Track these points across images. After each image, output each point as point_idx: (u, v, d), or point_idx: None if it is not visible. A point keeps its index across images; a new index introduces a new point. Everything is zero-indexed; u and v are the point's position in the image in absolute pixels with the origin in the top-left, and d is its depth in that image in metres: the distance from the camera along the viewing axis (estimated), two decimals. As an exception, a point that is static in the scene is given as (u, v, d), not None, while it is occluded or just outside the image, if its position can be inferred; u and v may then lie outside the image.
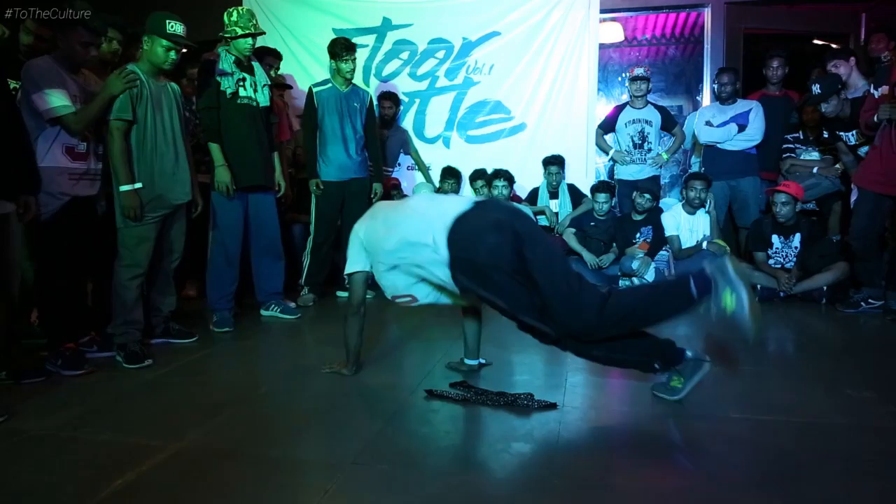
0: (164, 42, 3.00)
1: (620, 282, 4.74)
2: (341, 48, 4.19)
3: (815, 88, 4.15)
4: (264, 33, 3.88)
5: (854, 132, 4.11)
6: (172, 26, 3.01)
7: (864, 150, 4.02)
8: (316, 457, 1.94)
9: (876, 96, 3.72)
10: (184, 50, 3.17)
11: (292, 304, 3.98)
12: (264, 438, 2.08)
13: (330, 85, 4.26)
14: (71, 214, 2.87)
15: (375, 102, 5.27)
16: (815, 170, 4.56)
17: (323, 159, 4.25)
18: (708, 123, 4.83)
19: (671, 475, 1.80)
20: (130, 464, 1.85)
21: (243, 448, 2.00)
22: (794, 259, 4.31)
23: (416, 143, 5.52)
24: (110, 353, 2.98)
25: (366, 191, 4.41)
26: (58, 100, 2.76)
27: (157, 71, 3.09)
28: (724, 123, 4.78)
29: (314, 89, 4.25)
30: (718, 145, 4.80)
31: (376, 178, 4.47)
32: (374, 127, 4.47)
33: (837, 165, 4.44)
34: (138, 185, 2.96)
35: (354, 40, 5.46)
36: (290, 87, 5.16)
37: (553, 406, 2.26)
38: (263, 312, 3.88)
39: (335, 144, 4.24)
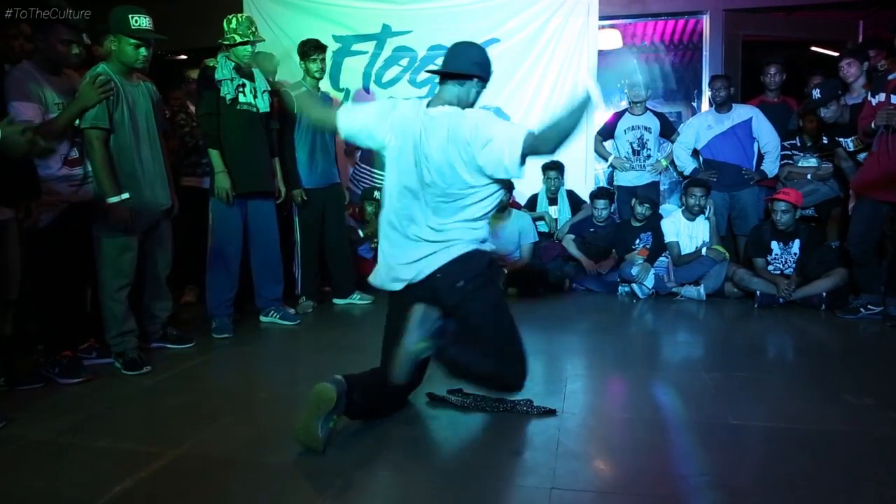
0: (132, 40, 2.83)
1: (620, 288, 4.74)
2: (310, 48, 4.13)
3: (816, 93, 4.17)
4: (263, 40, 3.88)
5: (852, 138, 4.12)
6: (137, 21, 2.81)
7: (862, 156, 4.03)
8: (315, 463, 1.93)
9: (873, 103, 3.73)
10: (182, 57, 3.16)
11: (291, 311, 3.98)
12: (263, 445, 2.08)
13: (305, 89, 4.14)
14: (68, 222, 2.85)
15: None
16: (808, 175, 4.57)
17: (307, 166, 4.15)
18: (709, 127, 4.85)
19: (671, 482, 1.80)
20: (129, 471, 1.85)
21: (242, 455, 1.99)
22: (794, 265, 4.32)
23: None
24: (109, 359, 2.97)
25: (342, 196, 4.40)
26: (19, 116, 2.59)
27: (130, 70, 2.95)
28: (725, 133, 4.79)
29: (293, 93, 4.05)
30: (719, 159, 4.83)
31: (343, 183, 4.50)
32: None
33: (826, 164, 4.46)
34: (125, 195, 2.85)
35: (354, 47, 5.54)
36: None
37: (552, 412, 2.26)
38: (263, 319, 3.88)
39: (317, 151, 4.19)
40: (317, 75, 4.18)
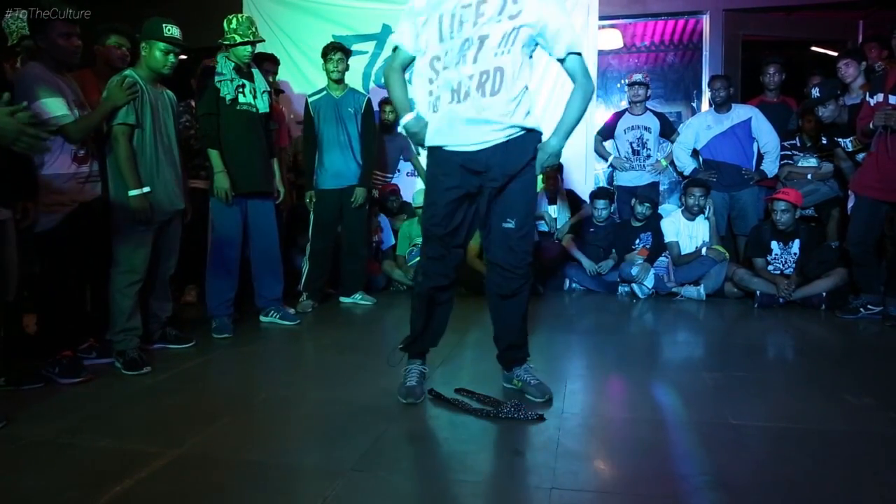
0: (162, 45, 2.99)
1: (620, 287, 4.75)
2: (328, 48, 4.25)
3: (815, 92, 4.17)
4: (263, 41, 3.89)
5: (851, 138, 4.12)
6: (169, 30, 3.01)
7: (861, 156, 4.03)
8: (315, 463, 1.93)
9: (871, 104, 3.73)
10: (183, 57, 3.16)
11: (291, 311, 3.98)
12: (263, 445, 2.08)
13: (324, 93, 4.27)
14: (74, 220, 2.85)
15: (376, 108, 5.28)
16: (808, 175, 4.58)
17: (321, 168, 4.26)
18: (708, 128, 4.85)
19: (671, 482, 1.80)
20: (129, 471, 1.85)
21: (242, 455, 1.99)
22: (794, 265, 4.32)
23: (416, 148, 5.53)
24: (109, 359, 2.97)
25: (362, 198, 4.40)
26: (57, 108, 2.71)
27: (156, 77, 3.09)
28: (724, 133, 4.79)
29: (309, 99, 4.28)
30: (721, 160, 4.83)
31: (361, 183, 4.33)
32: (368, 132, 4.41)
33: (828, 164, 4.46)
34: (146, 188, 2.95)
35: (354, 47, 5.53)
36: (282, 92, 5.16)
37: (540, 419, 2.22)
38: (263, 318, 3.88)
39: (331, 152, 4.24)
40: (333, 76, 4.24)
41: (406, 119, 2.34)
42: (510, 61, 2.16)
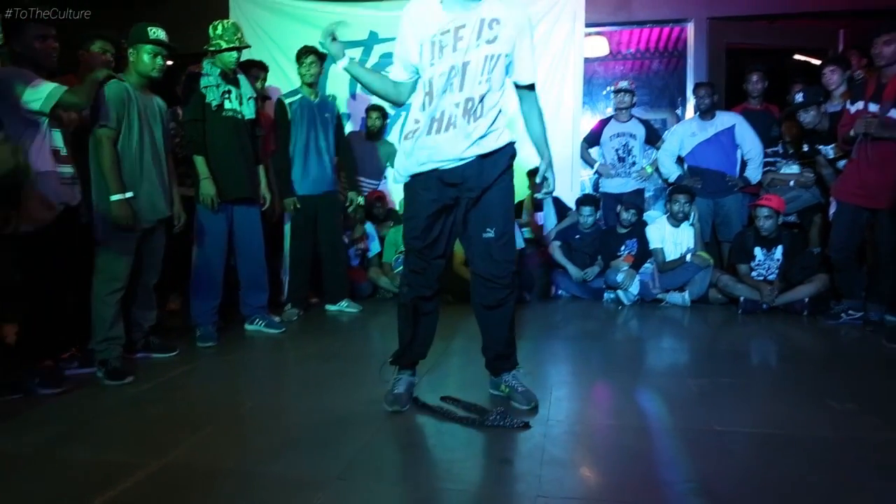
0: (149, 48, 2.98)
1: (606, 294, 4.77)
2: (300, 52, 4.19)
3: (799, 97, 4.22)
4: (249, 46, 3.87)
5: (832, 146, 4.18)
6: (155, 32, 3.00)
7: (842, 163, 4.08)
8: (300, 473, 1.92)
9: (852, 111, 3.79)
10: (169, 62, 3.14)
11: (277, 319, 3.95)
12: (248, 455, 2.06)
13: (300, 95, 4.21)
14: (57, 226, 2.79)
15: (362, 115, 5.29)
16: (791, 182, 4.63)
17: (297, 174, 4.19)
18: (693, 135, 4.90)
19: (656, 489, 1.81)
20: (111, 482, 1.82)
21: (226, 465, 1.97)
22: (777, 271, 4.36)
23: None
24: (91, 369, 2.93)
25: (337, 204, 4.37)
26: (41, 91, 2.60)
27: (145, 82, 3.07)
28: (709, 140, 4.84)
29: (286, 101, 4.19)
30: (704, 166, 4.87)
31: (352, 188, 4.45)
32: (342, 138, 4.44)
33: (809, 173, 4.52)
34: (129, 194, 2.92)
35: (341, 53, 5.52)
36: (269, 98, 5.13)
37: (526, 426, 2.22)
38: (248, 327, 3.85)
39: (311, 157, 4.20)
40: (306, 79, 4.19)
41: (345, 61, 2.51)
42: (492, 87, 2.22)
